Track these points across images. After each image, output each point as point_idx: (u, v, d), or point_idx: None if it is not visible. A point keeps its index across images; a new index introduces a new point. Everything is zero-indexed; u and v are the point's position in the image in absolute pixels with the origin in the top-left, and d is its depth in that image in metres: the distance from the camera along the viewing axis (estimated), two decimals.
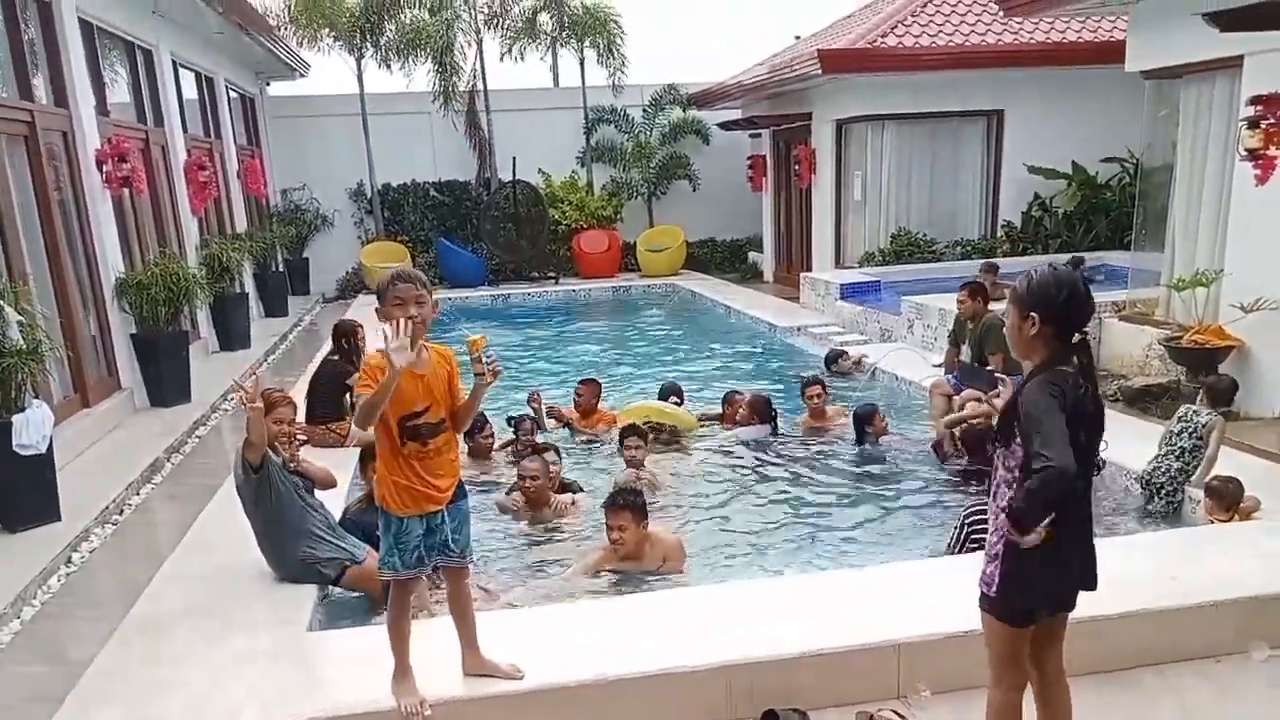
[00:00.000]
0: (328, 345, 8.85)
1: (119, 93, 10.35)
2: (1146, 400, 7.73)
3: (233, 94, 15.47)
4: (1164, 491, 5.67)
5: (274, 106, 18.22)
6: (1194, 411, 5.74)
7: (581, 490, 6.58)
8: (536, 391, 8.52)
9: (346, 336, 7.88)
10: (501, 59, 19.06)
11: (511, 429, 7.83)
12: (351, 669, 4.03)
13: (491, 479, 7.11)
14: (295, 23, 17.35)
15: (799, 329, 12.32)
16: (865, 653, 3.91)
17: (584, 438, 8.21)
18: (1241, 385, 7.26)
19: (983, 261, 8.15)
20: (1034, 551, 2.85)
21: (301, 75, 18.04)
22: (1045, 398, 2.74)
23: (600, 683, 3.78)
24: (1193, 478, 5.62)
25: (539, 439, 7.55)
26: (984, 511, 4.18)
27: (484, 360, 3.53)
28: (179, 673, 4.03)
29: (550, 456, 6.61)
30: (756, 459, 7.52)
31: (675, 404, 8.46)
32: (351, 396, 7.73)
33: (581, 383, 8.53)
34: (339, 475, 6.33)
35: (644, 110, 19.23)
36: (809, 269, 14.92)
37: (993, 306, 8.36)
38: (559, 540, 5.99)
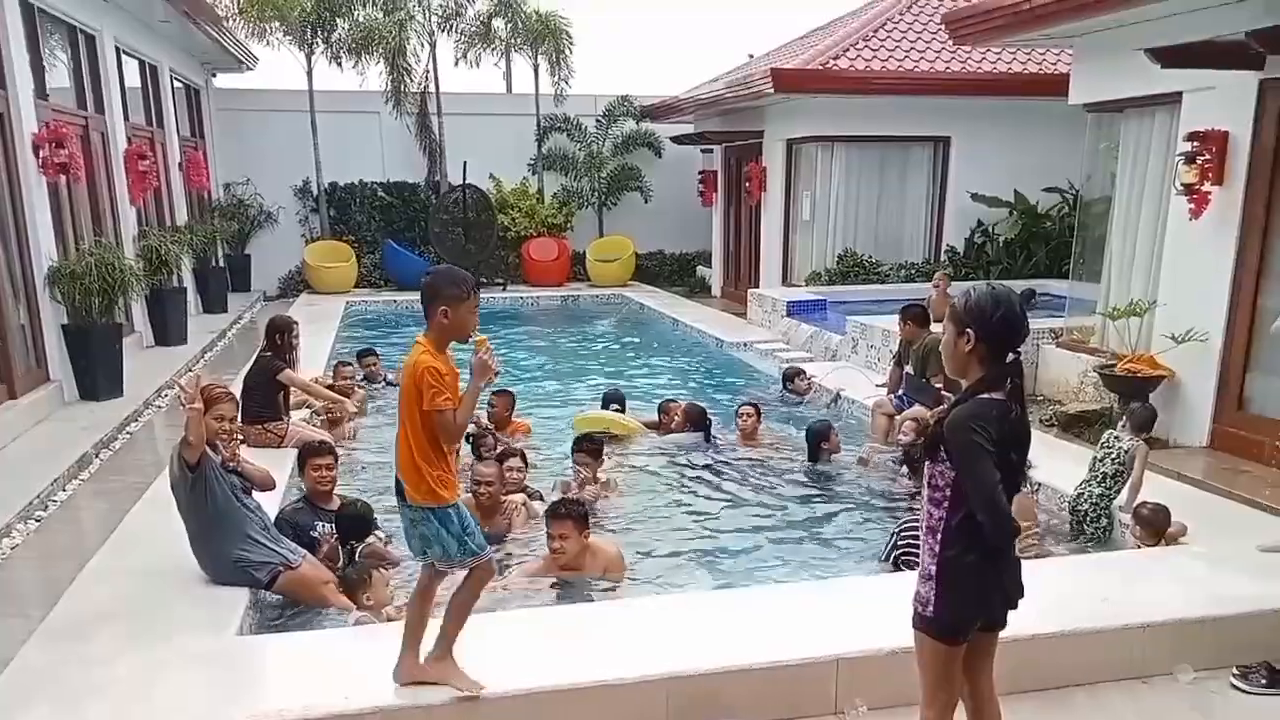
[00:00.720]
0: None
1: (59, 77, 10.05)
2: (1080, 426, 7.91)
3: (177, 84, 15.12)
4: (1089, 518, 5.79)
5: (220, 99, 17.84)
6: (1116, 437, 5.89)
7: (542, 498, 6.43)
8: None
9: (281, 332, 7.69)
10: (456, 64, 18.95)
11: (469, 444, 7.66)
12: (282, 674, 3.95)
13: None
14: (244, 14, 17.03)
15: (745, 344, 12.40)
16: (805, 667, 3.93)
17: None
18: (1171, 414, 7.49)
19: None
20: (967, 569, 2.93)
21: (249, 68, 17.70)
22: (970, 443, 2.81)
23: (536, 694, 3.73)
24: (1121, 503, 5.76)
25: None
26: (916, 527, 4.26)
27: (472, 362, 3.61)
28: (105, 675, 3.89)
29: (516, 463, 6.53)
30: (703, 471, 7.54)
31: (617, 411, 8.53)
32: (287, 395, 7.59)
33: (495, 394, 8.31)
34: (276, 475, 6.21)
35: (597, 120, 19.24)
36: (757, 285, 15.03)
37: (935, 328, 8.54)
38: (504, 548, 5.92)
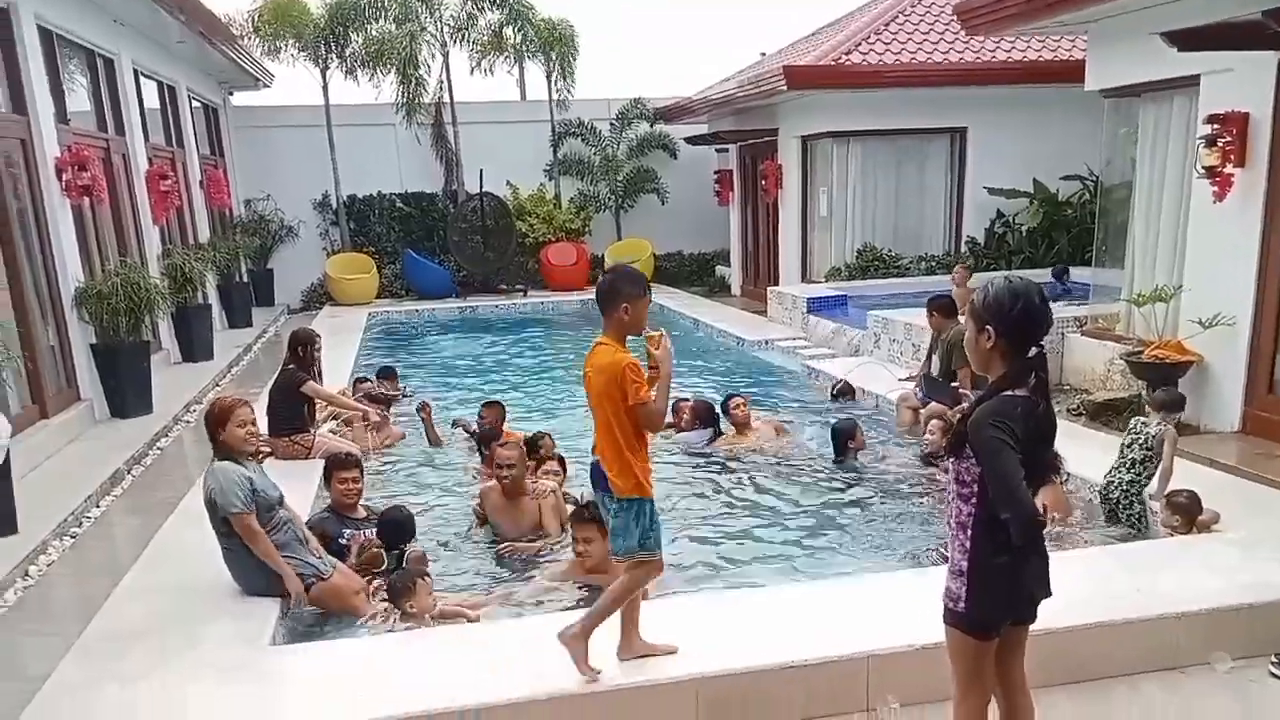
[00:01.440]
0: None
1: (79, 101, 10.19)
2: (1108, 414, 7.82)
3: (196, 103, 15.30)
4: (1121, 505, 5.72)
5: (238, 116, 18.04)
6: (1143, 423, 5.81)
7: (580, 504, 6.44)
8: (426, 402, 8.52)
9: (303, 345, 7.76)
10: (471, 72, 19.06)
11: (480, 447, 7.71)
12: (312, 685, 3.98)
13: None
14: (259, 32, 17.20)
15: (766, 342, 12.38)
16: (836, 664, 3.91)
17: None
18: (1201, 399, 7.40)
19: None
20: (997, 564, 2.91)
21: (265, 85, 17.86)
22: (993, 440, 2.78)
23: (567, 696, 3.74)
24: (1152, 490, 5.70)
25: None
26: None
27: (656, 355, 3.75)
28: (140, 690, 3.94)
29: (553, 466, 6.52)
30: (725, 471, 7.53)
31: None
32: (312, 407, 7.66)
33: (485, 405, 8.27)
34: (302, 487, 6.28)
35: (611, 124, 19.28)
36: (776, 283, 15.00)
37: (963, 319, 8.48)
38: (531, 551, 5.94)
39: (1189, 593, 4.40)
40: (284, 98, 18.82)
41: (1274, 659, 4.15)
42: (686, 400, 8.72)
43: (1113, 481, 5.77)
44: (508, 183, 18.76)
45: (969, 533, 2.94)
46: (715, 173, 18.29)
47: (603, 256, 18.72)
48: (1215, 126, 7.16)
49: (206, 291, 12.70)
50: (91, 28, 10.15)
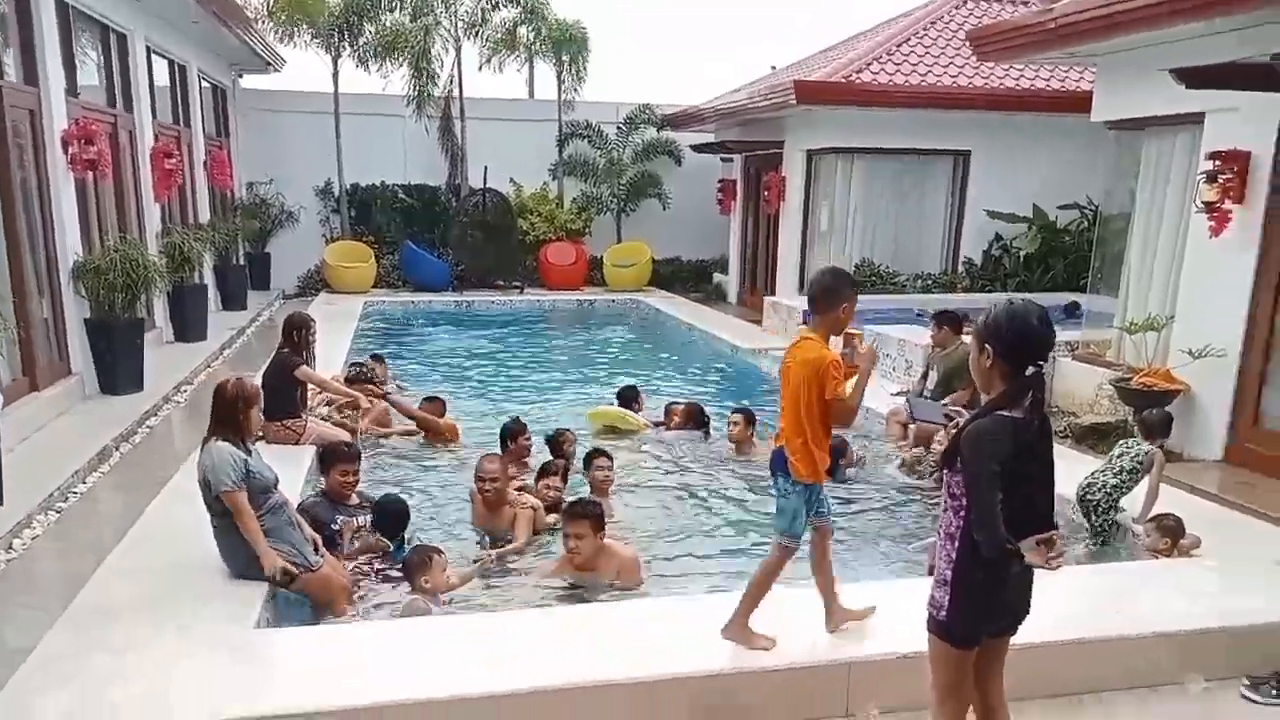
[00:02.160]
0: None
1: (89, 75, 10.20)
2: (1094, 438, 7.91)
3: (204, 84, 15.29)
4: (1099, 508, 5.79)
5: (246, 99, 18.03)
6: (1136, 441, 5.92)
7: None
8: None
9: (298, 329, 7.75)
10: (480, 69, 19.10)
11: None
12: (298, 668, 4.00)
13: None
14: (273, 17, 17.22)
15: (761, 350, 12.42)
16: (818, 669, 3.96)
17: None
18: (1186, 428, 7.48)
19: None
20: (982, 576, 2.98)
21: (276, 70, 17.86)
22: (976, 462, 2.88)
23: (551, 691, 3.77)
24: (1135, 514, 5.77)
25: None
26: None
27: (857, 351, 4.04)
28: (126, 662, 3.96)
29: (556, 481, 6.54)
30: (714, 478, 7.57)
31: (635, 410, 8.82)
32: (304, 391, 7.67)
33: (426, 400, 8.62)
34: (294, 473, 6.29)
35: (618, 127, 19.34)
36: (773, 293, 15.06)
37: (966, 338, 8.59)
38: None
39: (1167, 615, 4.46)
40: (292, 82, 18.80)
41: (1245, 682, 4.22)
42: (679, 404, 8.90)
43: (1094, 483, 5.84)
44: (511, 180, 18.80)
45: (955, 544, 3.00)
46: (719, 181, 18.36)
47: (601, 258, 18.78)
48: (1217, 163, 7.26)
49: (203, 272, 12.71)
50: (108, 2, 10.15)
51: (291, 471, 6.28)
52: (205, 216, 14.48)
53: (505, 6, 18.43)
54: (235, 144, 17.37)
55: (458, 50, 18.29)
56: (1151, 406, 7.34)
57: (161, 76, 12.86)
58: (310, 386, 7.84)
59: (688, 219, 19.40)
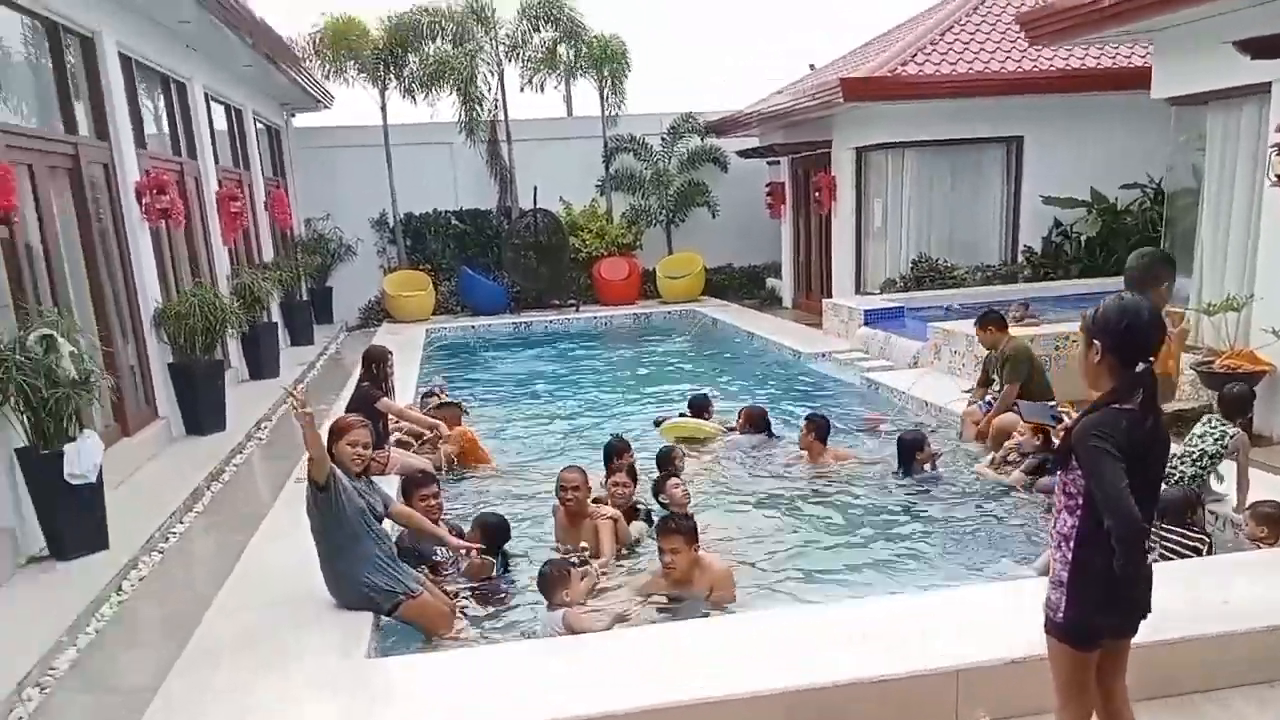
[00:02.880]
0: (356, 373, 8.99)
1: (154, 125, 10.52)
2: (1179, 425, 7.71)
3: (260, 125, 15.69)
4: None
5: (298, 137, 18.45)
6: (1218, 421, 5.77)
7: (650, 520, 6.43)
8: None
9: (376, 362, 7.95)
10: (522, 89, 19.29)
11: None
12: (408, 697, 4.08)
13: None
14: (320, 55, 17.60)
15: (824, 355, 12.36)
16: (923, 679, 3.93)
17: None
18: (1273, 410, 7.29)
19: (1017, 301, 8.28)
20: (1098, 576, 2.94)
21: (326, 107, 18.25)
22: (1094, 449, 2.85)
23: (658, 709, 3.79)
24: (1233, 503, 5.64)
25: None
26: None
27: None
28: (241, 702, 4.07)
29: (622, 478, 6.57)
30: (791, 484, 7.56)
31: (705, 417, 8.88)
32: (385, 423, 7.82)
33: (439, 406, 8.91)
34: None
35: (662, 138, 19.40)
36: (829, 295, 14.96)
37: (1015, 332, 8.49)
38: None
39: (1278, 606, 4.35)
40: (341, 118, 19.19)
41: None
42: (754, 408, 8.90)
43: (1171, 474, 5.66)
44: (560, 199, 18.96)
45: (1071, 544, 2.98)
46: (767, 185, 18.32)
47: (654, 270, 18.84)
48: None
49: (272, 310, 13.01)
50: (166, 52, 10.47)
51: None
52: (269, 256, 14.84)
53: (545, 27, 18.61)
54: (292, 182, 17.77)
55: (500, 73, 18.54)
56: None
57: (220, 121, 13.22)
58: (390, 417, 7.99)
59: (737, 225, 19.38)
